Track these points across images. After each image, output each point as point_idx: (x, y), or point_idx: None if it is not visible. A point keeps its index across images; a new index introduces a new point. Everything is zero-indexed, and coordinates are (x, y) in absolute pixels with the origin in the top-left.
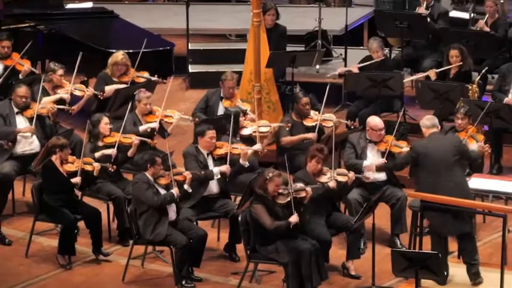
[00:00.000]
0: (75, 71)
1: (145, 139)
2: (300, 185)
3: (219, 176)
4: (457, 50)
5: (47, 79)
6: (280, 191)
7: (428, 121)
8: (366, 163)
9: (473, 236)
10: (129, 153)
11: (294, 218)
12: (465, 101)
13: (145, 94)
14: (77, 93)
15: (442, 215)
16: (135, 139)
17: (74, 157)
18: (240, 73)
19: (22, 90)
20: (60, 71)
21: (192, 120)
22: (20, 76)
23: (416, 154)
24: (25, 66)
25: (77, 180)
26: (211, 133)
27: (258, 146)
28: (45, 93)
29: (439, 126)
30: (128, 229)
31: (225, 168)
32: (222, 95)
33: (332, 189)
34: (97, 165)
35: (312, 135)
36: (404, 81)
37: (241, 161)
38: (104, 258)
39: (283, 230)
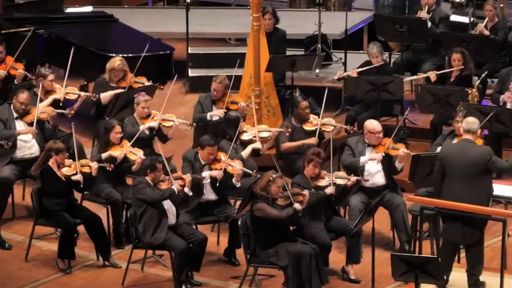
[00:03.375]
0: (67, 71)
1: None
2: (297, 189)
3: (208, 180)
4: (460, 53)
5: (38, 84)
6: (279, 194)
7: (466, 124)
8: (363, 159)
9: (481, 247)
10: (133, 168)
11: (298, 206)
12: (465, 105)
13: (143, 97)
14: (70, 96)
15: (452, 221)
16: (139, 158)
17: (71, 160)
18: (239, 77)
19: (23, 96)
20: (51, 76)
21: (190, 125)
22: (16, 81)
23: (442, 156)
24: (18, 70)
25: (77, 177)
26: (210, 149)
27: (257, 145)
28: (36, 98)
29: (477, 133)
30: (122, 234)
31: (216, 173)
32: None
33: (330, 196)
34: (94, 165)
35: (312, 141)
36: (404, 80)
37: (234, 180)
38: (101, 263)
39: (293, 216)
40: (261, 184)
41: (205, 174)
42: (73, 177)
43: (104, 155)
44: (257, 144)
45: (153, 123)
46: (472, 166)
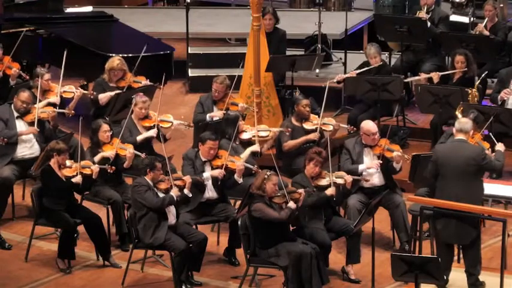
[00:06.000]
0: (62, 70)
1: (139, 153)
2: (293, 188)
3: (210, 181)
4: (463, 55)
5: (35, 85)
6: (275, 193)
7: (458, 124)
8: (361, 167)
9: (477, 247)
10: (125, 165)
11: (293, 204)
12: (465, 105)
13: (141, 98)
14: (67, 95)
15: (445, 221)
16: (129, 152)
17: (72, 161)
18: (239, 77)
19: (25, 95)
20: (47, 76)
21: (188, 125)
22: (10, 80)
23: (436, 157)
24: (13, 69)
25: (77, 179)
26: (212, 144)
27: (255, 147)
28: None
29: (470, 133)
30: (126, 234)
31: (217, 172)
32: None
33: (330, 197)
34: (95, 168)
35: (314, 136)
36: (405, 81)
37: (235, 176)
38: (101, 263)
39: (291, 216)
40: (256, 183)
41: (207, 174)
42: (73, 180)
43: (96, 158)
44: (256, 147)
45: (151, 133)
46: (466, 166)
